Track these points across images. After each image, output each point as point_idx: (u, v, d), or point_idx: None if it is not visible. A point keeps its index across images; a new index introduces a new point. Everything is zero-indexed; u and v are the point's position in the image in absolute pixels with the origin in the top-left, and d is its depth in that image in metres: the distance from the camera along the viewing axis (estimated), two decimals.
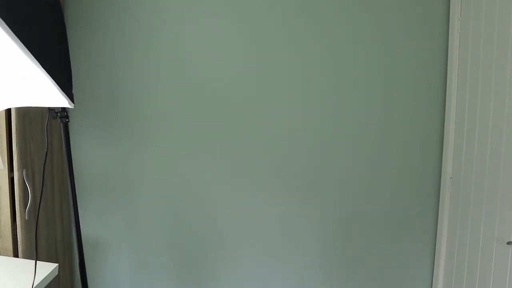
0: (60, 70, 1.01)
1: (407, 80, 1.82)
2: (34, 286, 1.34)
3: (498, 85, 1.45)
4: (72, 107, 1.09)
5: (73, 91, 1.07)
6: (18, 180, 1.65)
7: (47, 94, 1.04)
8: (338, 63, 1.83)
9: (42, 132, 1.75)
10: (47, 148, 1.19)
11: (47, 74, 0.96)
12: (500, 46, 1.44)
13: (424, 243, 1.92)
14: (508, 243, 1.38)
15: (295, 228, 1.97)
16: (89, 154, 2.02)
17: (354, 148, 1.88)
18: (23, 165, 1.66)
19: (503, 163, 1.43)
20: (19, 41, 0.93)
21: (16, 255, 1.69)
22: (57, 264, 1.52)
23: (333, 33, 1.82)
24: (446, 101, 1.80)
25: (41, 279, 1.39)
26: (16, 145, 1.62)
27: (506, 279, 1.42)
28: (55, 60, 1.01)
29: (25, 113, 1.65)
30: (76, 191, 2.03)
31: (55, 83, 0.98)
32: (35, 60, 0.95)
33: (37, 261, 1.52)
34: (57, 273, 1.51)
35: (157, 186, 2.01)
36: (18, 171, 1.64)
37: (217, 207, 1.99)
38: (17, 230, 1.67)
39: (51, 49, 1.01)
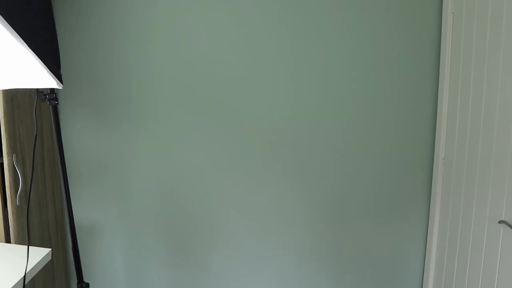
0: (46, 50, 0.98)
1: (400, 61, 1.81)
2: (27, 271, 1.33)
3: (491, 66, 1.45)
4: (60, 88, 1.06)
5: (61, 72, 1.05)
6: (8, 165, 1.62)
7: (34, 75, 1.02)
8: (329, 43, 1.81)
9: (31, 116, 1.72)
10: (36, 132, 1.17)
11: (34, 54, 0.93)
12: (493, 26, 1.43)
13: (417, 223, 1.94)
14: (500, 222, 1.39)
15: (288, 209, 1.97)
16: (81, 139, 1.99)
17: (347, 130, 1.88)
18: (13, 150, 1.63)
19: (495, 144, 1.43)
20: (4, 20, 0.90)
21: (8, 241, 1.68)
22: (50, 249, 1.51)
23: (324, 13, 1.79)
24: (439, 81, 1.80)
25: (34, 264, 1.38)
26: (5, 130, 1.59)
27: (497, 256, 1.44)
28: (42, 40, 0.98)
29: (13, 97, 1.62)
30: (68, 176, 2.01)
31: (42, 63, 0.96)
32: (21, 39, 0.92)
33: (30, 246, 1.51)
34: (50, 258, 1.50)
35: (150, 169, 1.99)
36: (7, 156, 1.61)
37: (210, 191, 1.99)
38: (9, 216, 1.66)
39: (37, 28, 0.98)
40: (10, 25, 0.91)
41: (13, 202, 1.65)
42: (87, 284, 1.55)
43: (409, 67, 1.81)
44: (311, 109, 1.88)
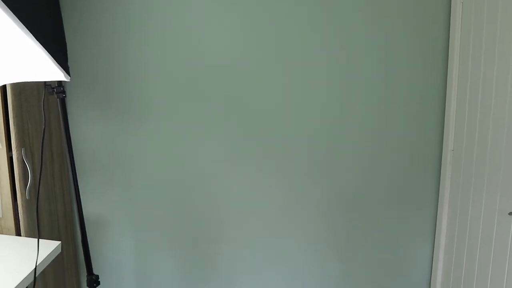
0: (53, 42, 0.98)
1: (409, 52, 1.79)
2: (37, 263, 1.34)
3: (501, 56, 1.43)
4: (68, 80, 1.06)
5: (69, 64, 1.05)
6: (17, 159, 1.64)
7: (41, 67, 1.02)
8: (341, 34, 1.80)
9: (39, 109, 1.72)
10: (44, 125, 1.17)
11: (41, 46, 0.93)
12: (504, 16, 1.41)
13: (426, 214, 1.93)
14: (510, 213, 1.38)
15: (300, 201, 1.97)
16: (88, 131, 2.00)
17: (358, 123, 1.87)
18: (22, 144, 1.64)
19: (506, 134, 1.42)
20: (11, 12, 0.90)
21: (18, 234, 1.70)
22: (60, 241, 1.52)
23: (333, 9, 1.78)
24: (448, 73, 1.78)
25: (45, 257, 1.40)
26: (14, 124, 1.60)
27: (507, 248, 1.43)
28: (49, 32, 0.98)
29: (21, 90, 1.62)
30: (77, 169, 2.03)
31: (50, 55, 0.96)
32: (29, 32, 0.92)
33: (40, 239, 1.53)
34: (60, 250, 1.51)
35: (158, 161, 2.00)
36: (16, 150, 1.63)
37: (219, 182, 1.99)
38: (19, 210, 1.67)
39: (44, 21, 0.98)
40: (17, 17, 0.91)
41: (22, 195, 1.66)
42: (97, 276, 1.56)
43: (418, 59, 1.79)
44: (325, 105, 1.86)
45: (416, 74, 1.81)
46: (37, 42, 0.92)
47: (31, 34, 0.91)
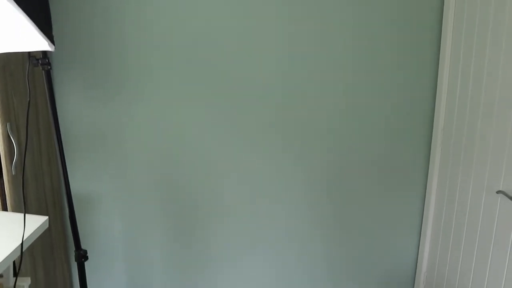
0: (36, 9, 0.94)
1: (401, 32, 1.77)
2: (24, 238, 1.33)
3: (494, 34, 1.42)
4: (52, 50, 1.03)
5: (53, 33, 1.01)
6: (2, 134, 1.60)
7: (24, 36, 0.98)
8: (333, 11, 1.77)
9: (25, 84, 1.68)
10: (29, 98, 1.14)
11: (23, 13, 0.89)
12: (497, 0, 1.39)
13: (415, 192, 1.95)
14: (498, 192, 1.39)
15: (287, 177, 1.97)
16: (77, 106, 1.96)
17: (348, 99, 1.86)
18: (7, 119, 1.60)
19: (496, 114, 1.42)
20: None
21: (5, 210, 1.68)
22: (47, 217, 1.50)
23: None
24: (440, 51, 1.77)
25: (31, 232, 1.38)
26: None
27: (494, 226, 1.45)
28: None
29: (5, 65, 1.57)
30: (65, 144, 1.98)
31: (32, 22, 0.92)
32: None
33: (27, 214, 1.51)
34: (47, 226, 1.50)
35: (147, 136, 1.97)
36: (2, 125, 1.59)
37: (209, 160, 1.98)
38: (4, 185, 1.65)
39: None
40: None
41: (8, 171, 1.63)
42: (85, 251, 1.56)
43: (410, 36, 1.77)
44: (313, 78, 1.85)
45: (408, 53, 1.79)
46: (19, 8, 0.89)
47: (13, 1, 0.87)
